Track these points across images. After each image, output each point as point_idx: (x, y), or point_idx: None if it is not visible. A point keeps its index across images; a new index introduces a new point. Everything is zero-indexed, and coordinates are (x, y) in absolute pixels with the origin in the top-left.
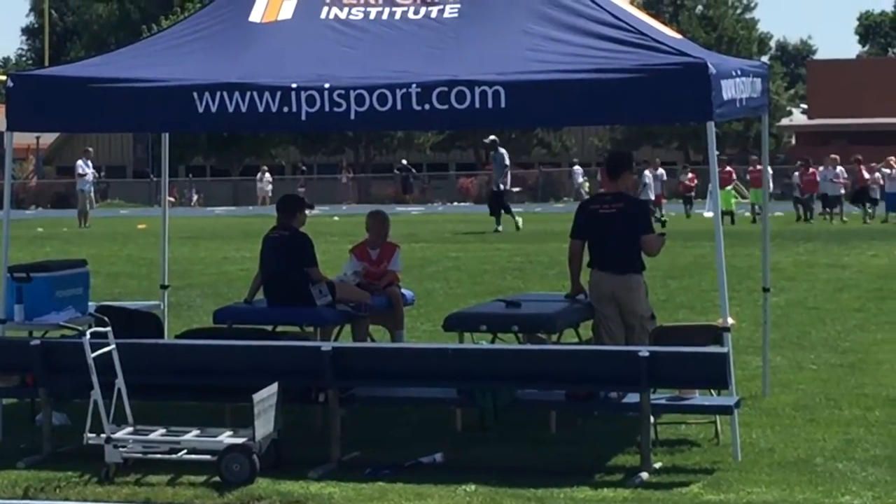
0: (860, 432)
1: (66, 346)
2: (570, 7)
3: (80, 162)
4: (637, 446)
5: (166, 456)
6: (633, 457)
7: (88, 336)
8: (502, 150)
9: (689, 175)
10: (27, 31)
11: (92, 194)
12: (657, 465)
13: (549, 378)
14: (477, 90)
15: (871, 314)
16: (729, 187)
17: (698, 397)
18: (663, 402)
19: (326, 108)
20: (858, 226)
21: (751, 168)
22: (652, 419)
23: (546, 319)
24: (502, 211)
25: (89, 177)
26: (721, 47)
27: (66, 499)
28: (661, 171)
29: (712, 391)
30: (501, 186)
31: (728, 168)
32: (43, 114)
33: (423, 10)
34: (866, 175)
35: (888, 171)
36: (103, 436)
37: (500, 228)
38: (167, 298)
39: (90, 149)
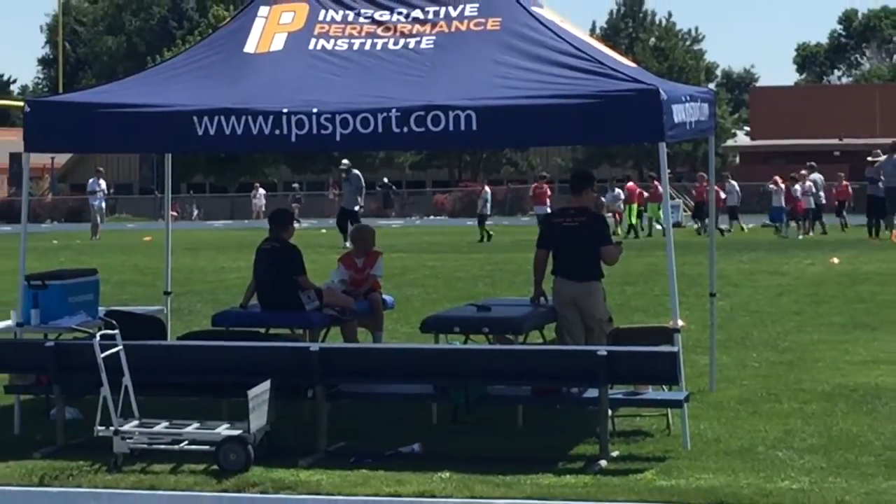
0: (798, 424)
1: (78, 347)
2: (535, 39)
3: (92, 180)
4: (596, 437)
5: (169, 447)
6: (593, 446)
7: (98, 338)
8: (356, 172)
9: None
10: (43, 62)
11: (103, 209)
12: (615, 454)
13: (517, 375)
14: (451, 114)
15: (807, 317)
16: (657, 203)
17: (651, 392)
18: (620, 396)
19: (314, 131)
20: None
21: (651, 186)
22: (609, 412)
23: (514, 322)
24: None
25: (100, 194)
26: (672, 75)
27: (79, 486)
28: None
29: (664, 387)
30: (357, 208)
31: (655, 182)
32: (57, 136)
33: (402, 41)
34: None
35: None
36: (112, 428)
37: (347, 244)
38: (170, 304)
39: (101, 168)
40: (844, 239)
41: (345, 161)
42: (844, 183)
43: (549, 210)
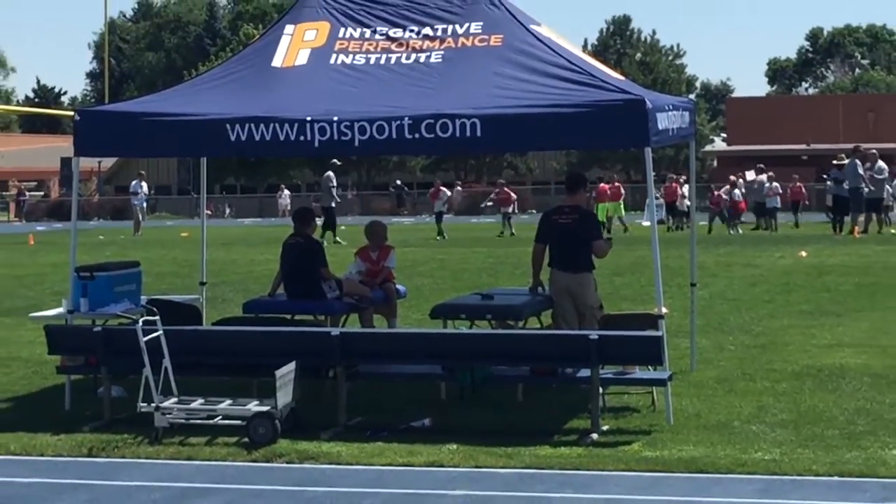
0: (770, 401)
1: (123, 331)
2: (533, 53)
3: (134, 182)
4: (588, 412)
5: (204, 421)
6: (585, 421)
7: (141, 323)
8: (330, 173)
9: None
10: (90, 76)
11: (144, 209)
12: (605, 428)
13: (517, 357)
14: (457, 122)
15: (778, 304)
16: (616, 202)
17: (638, 372)
18: (610, 376)
19: (335, 137)
20: (759, 233)
21: (610, 184)
22: (600, 390)
23: (514, 309)
24: (334, 226)
25: (142, 195)
26: (656, 87)
27: (123, 456)
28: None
29: (650, 367)
30: (334, 204)
31: (616, 183)
32: (103, 142)
33: (413, 56)
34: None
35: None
36: (153, 405)
37: (338, 240)
38: (205, 293)
39: (143, 172)
40: (811, 234)
41: (334, 160)
42: (798, 184)
43: (510, 211)
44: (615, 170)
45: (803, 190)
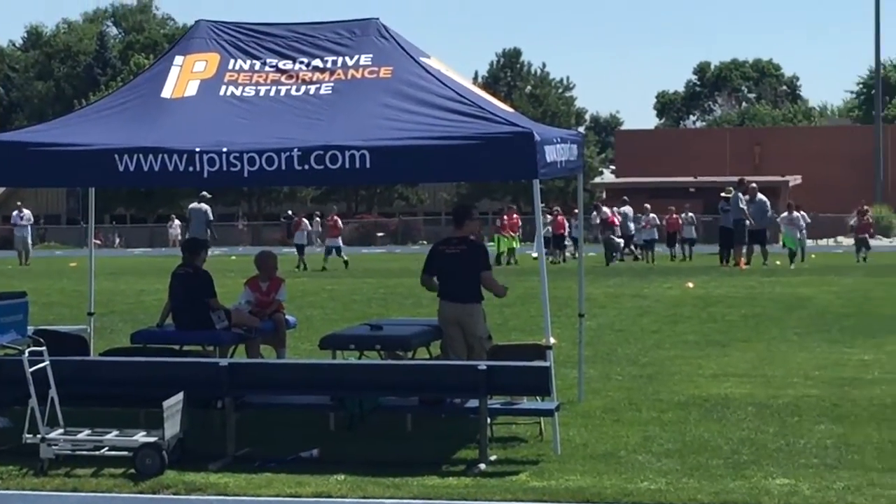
0: (656, 430)
1: (9, 362)
2: (422, 86)
3: (15, 213)
4: (476, 443)
5: (91, 452)
6: (473, 451)
7: (27, 354)
8: (206, 206)
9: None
10: None
11: (26, 238)
12: (493, 458)
13: (406, 387)
14: (347, 153)
15: (665, 335)
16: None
17: (526, 402)
18: (498, 406)
19: (224, 168)
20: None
21: (506, 216)
22: (488, 420)
23: (403, 340)
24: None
25: (26, 223)
26: (546, 119)
27: (8, 488)
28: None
29: (537, 397)
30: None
31: (514, 215)
32: None
33: (303, 88)
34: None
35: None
36: (39, 436)
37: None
38: (93, 323)
39: (20, 203)
40: (698, 266)
41: (203, 193)
42: (674, 216)
43: (340, 243)
44: (505, 201)
45: (679, 221)
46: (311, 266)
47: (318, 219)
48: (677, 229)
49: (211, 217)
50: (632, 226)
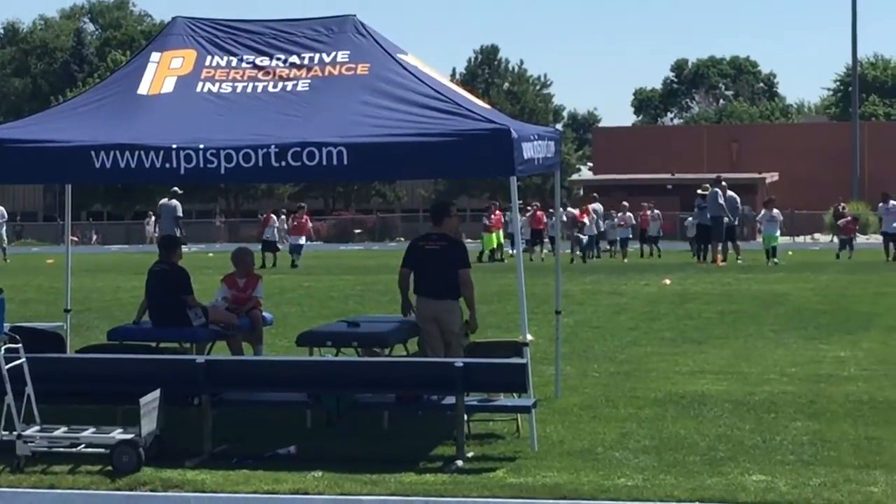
0: (633, 427)
1: None
2: (399, 83)
3: None
4: (453, 439)
5: (68, 449)
6: (451, 448)
7: (3, 351)
8: (175, 202)
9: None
10: None
11: (3, 234)
12: (470, 455)
13: (382, 384)
14: (324, 150)
15: (642, 332)
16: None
17: (503, 399)
18: (475, 403)
19: (201, 165)
20: (634, 261)
21: (493, 214)
22: (465, 417)
23: (380, 336)
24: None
25: None
26: (524, 116)
27: None
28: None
29: (514, 394)
30: (178, 234)
31: (497, 212)
32: None
33: (280, 84)
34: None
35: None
36: (15, 433)
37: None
38: (70, 320)
39: None
40: (675, 262)
41: (174, 188)
42: (646, 212)
43: (303, 241)
44: (483, 198)
45: (649, 218)
46: (280, 263)
47: (283, 216)
48: (646, 227)
49: (180, 214)
50: (602, 223)
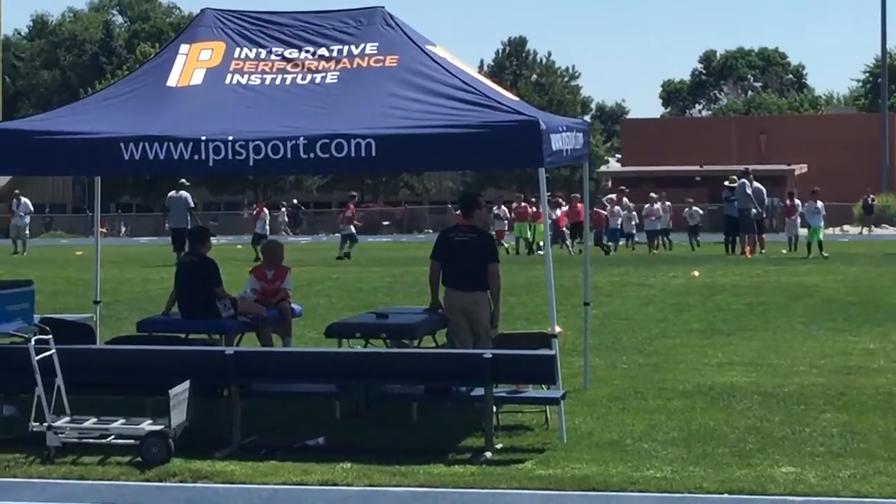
0: (662, 419)
1: (16, 350)
2: (428, 74)
3: (14, 202)
4: (482, 431)
5: (97, 440)
6: (479, 439)
7: (33, 342)
8: (186, 194)
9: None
10: None
11: (20, 228)
12: (499, 446)
13: (411, 375)
14: (353, 142)
15: (671, 324)
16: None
17: (532, 391)
18: (503, 394)
19: (230, 157)
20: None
21: (515, 205)
22: (494, 409)
23: (409, 328)
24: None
25: (22, 213)
26: (552, 108)
27: (14, 476)
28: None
29: (543, 386)
30: (189, 226)
31: (524, 203)
32: None
33: (309, 76)
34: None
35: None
36: (45, 424)
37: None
38: (99, 312)
39: (17, 191)
40: (704, 254)
41: (182, 180)
42: (654, 205)
43: (353, 229)
44: (511, 190)
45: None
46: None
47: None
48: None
49: (192, 204)
50: (620, 218)
